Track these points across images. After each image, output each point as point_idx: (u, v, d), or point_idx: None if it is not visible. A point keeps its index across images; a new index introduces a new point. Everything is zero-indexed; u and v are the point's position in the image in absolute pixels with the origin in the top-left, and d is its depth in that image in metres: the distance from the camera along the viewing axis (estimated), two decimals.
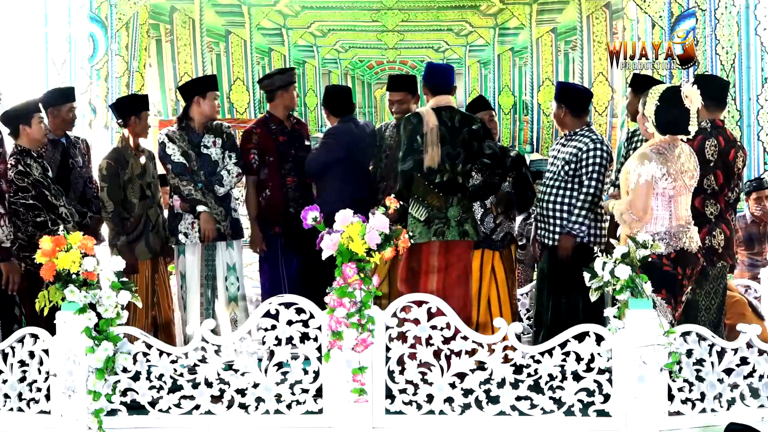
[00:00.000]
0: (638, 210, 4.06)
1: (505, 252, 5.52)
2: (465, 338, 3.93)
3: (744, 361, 4.01)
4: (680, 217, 4.13)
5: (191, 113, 5.40)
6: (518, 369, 3.96)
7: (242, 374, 3.96)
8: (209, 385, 3.96)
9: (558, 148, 5.31)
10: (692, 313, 4.46)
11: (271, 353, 3.96)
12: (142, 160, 5.35)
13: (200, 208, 5.24)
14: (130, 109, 5.35)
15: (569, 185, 5.13)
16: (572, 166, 5.12)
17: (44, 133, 5.07)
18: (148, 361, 3.96)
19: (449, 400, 3.95)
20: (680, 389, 3.91)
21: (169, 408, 3.97)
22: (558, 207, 5.14)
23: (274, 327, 3.94)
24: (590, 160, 5.07)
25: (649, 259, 3.89)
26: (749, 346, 4.01)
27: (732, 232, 4.66)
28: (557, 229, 5.13)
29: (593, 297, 3.93)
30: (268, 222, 5.47)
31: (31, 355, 3.99)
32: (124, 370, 3.93)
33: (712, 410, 3.96)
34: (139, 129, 5.33)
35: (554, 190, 5.17)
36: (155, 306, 5.32)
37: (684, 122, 4.09)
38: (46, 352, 3.94)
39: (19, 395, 4.01)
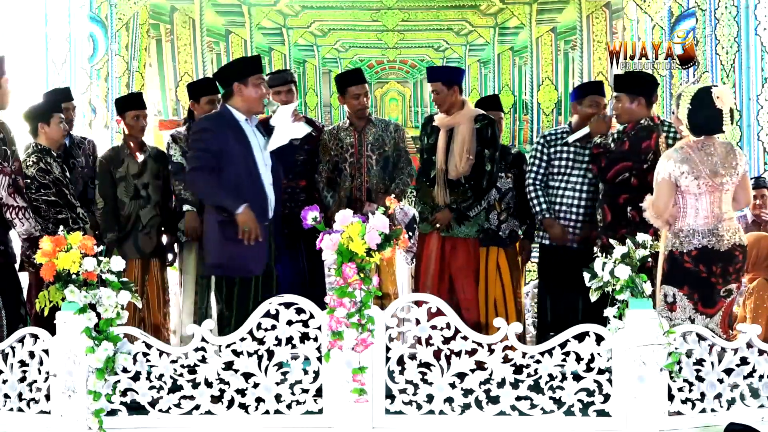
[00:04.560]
0: (658, 207, 4.17)
1: (510, 250, 5.50)
2: (465, 338, 3.93)
3: (744, 361, 4.00)
4: (708, 216, 4.17)
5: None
6: (518, 369, 3.96)
7: (242, 374, 3.96)
8: (209, 385, 3.96)
9: (572, 149, 5.22)
10: None
11: (271, 353, 3.96)
12: (141, 159, 5.35)
13: (186, 207, 5.24)
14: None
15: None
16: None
17: (63, 133, 5.12)
18: (148, 361, 3.96)
19: (449, 400, 3.95)
20: (680, 389, 3.91)
21: (169, 408, 3.96)
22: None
23: (274, 327, 3.94)
24: None
25: (674, 255, 4.06)
26: (749, 346, 4.01)
27: None
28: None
29: (593, 297, 3.93)
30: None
31: (31, 355, 3.98)
32: (124, 370, 3.92)
33: (712, 410, 3.95)
34: (135, 129, 5.37)
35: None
36: (144, 307, 5.28)
37: (717, 122, 4.15)
38: (46, 352, 3.93)
39: (19, 395, 4.00)
